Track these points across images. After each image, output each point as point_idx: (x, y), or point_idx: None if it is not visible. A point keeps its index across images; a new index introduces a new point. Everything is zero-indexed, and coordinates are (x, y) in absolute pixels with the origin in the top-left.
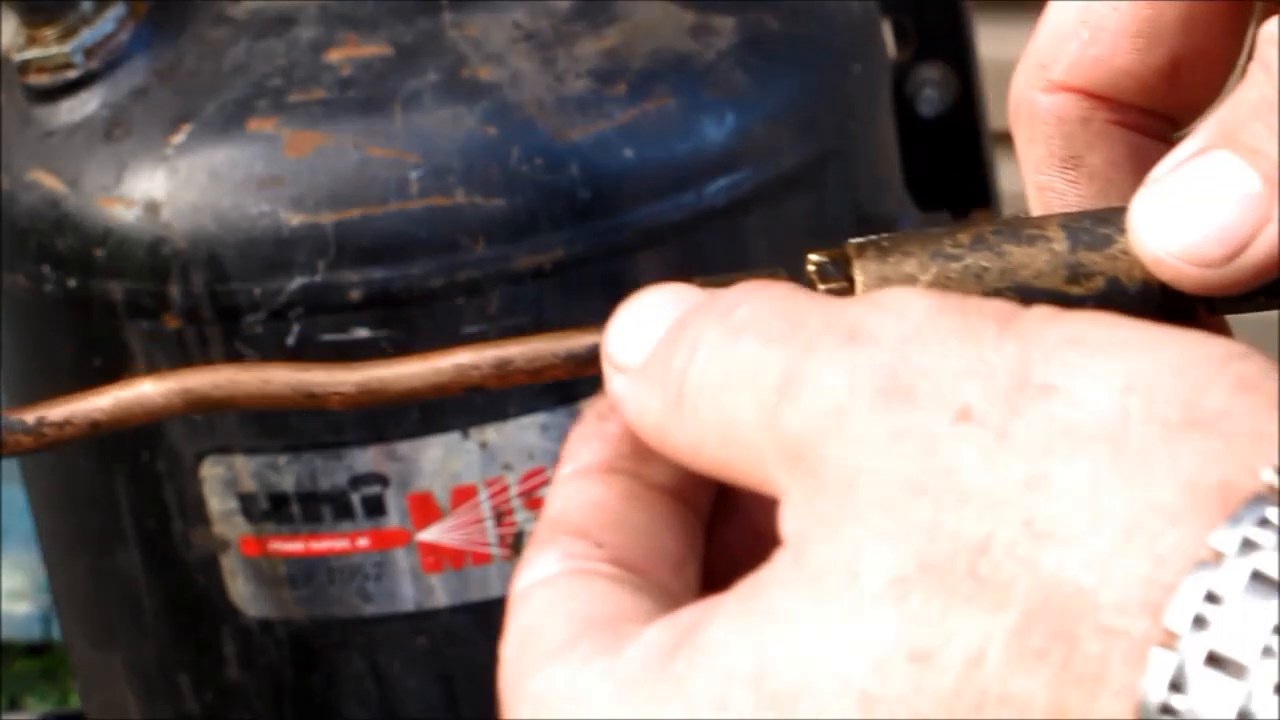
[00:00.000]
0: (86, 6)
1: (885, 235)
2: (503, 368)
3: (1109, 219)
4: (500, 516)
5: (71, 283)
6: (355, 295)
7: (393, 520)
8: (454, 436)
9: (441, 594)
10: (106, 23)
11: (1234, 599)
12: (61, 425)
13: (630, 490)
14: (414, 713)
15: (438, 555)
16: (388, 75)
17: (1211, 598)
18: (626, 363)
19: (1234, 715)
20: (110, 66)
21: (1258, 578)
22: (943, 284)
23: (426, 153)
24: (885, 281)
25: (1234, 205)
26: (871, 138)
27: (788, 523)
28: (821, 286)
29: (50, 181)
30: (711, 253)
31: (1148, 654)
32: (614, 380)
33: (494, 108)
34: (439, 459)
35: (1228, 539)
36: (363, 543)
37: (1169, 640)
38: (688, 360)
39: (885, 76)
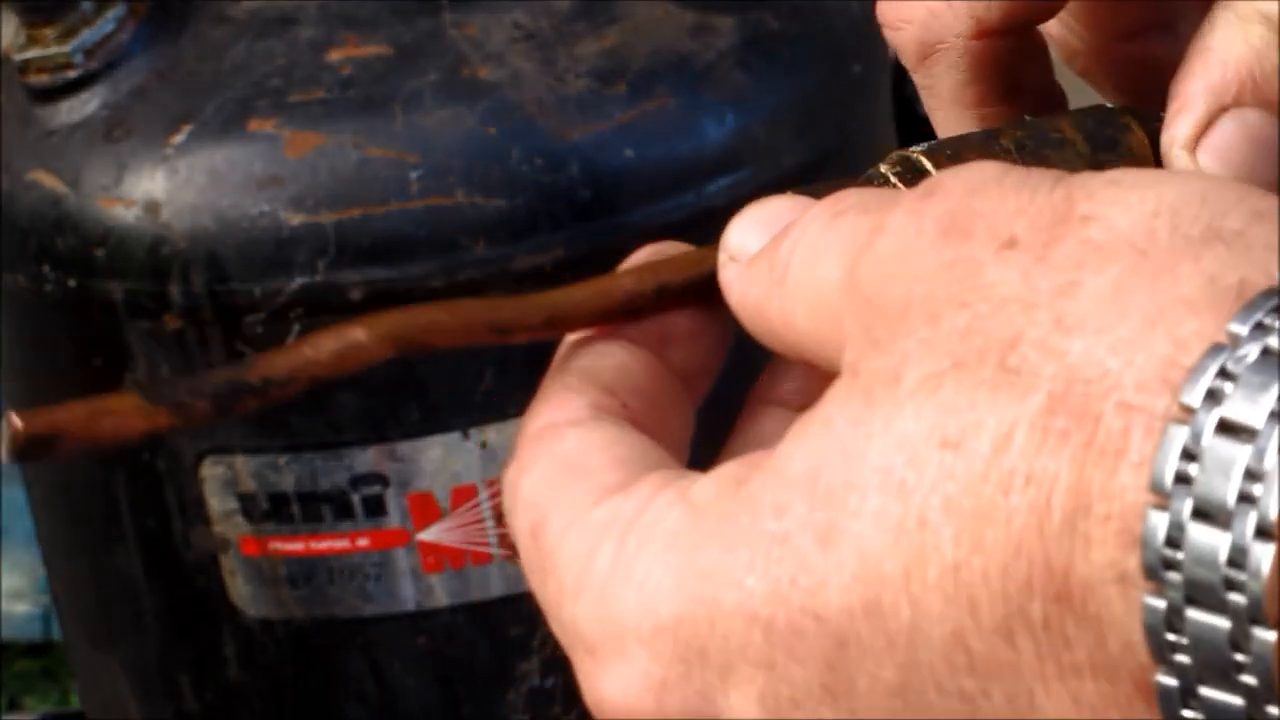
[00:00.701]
0: (86, 6)
1: (939, 141)
2: (662, 293)
3: (1107, 119)
4: (500, 516)
5: (71, 283)
6: (355, 295)
7: (393, 520)
8: (454, 436)
9: (441, 594)
10: (106, 23)
11: (1245, 373)
12: (286, 384)
13: (652, 365)
14: (414, 713)
15: (438, 555)
16: (388, 75)
17: (1225, 374)
18: (740, 251)
19: (1242, 475)
20: (110, 66)
21: (1268, 354)
22: None
23: (426, 153)
24: None
25: None
26: (871, 138)
27: (847, 354)
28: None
29: (50, 181)
30: None
31: (1166, 426)
32: (726, 269)
33: (494, 108)
34: (439, 459)
35: (1242, 324)
36: (363, 543)
37: (1185, 415)
38: (795, 243)
39: (885, 76)
